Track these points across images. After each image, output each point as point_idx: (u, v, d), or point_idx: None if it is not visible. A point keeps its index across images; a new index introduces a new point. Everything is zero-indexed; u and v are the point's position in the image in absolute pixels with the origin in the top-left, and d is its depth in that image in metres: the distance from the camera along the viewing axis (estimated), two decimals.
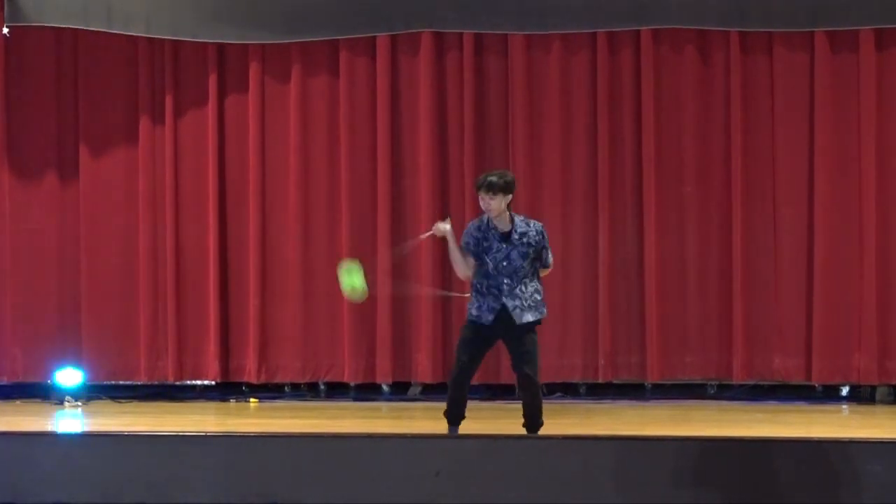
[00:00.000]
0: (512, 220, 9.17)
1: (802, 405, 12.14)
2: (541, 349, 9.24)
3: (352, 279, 9.33)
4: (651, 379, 12.33)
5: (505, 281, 9.11)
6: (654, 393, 12.54)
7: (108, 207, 12.77)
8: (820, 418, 11.55)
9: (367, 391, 12.64)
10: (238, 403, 12.55)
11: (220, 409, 12.26)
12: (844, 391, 12.43)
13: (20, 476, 8.30)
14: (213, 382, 12.65)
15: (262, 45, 12.56)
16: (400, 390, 12.74)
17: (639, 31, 12.30)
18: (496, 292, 9.12)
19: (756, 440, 8.49)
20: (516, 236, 9.15)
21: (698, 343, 12.31)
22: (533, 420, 9.27)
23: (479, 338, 9.25)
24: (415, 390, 12.71)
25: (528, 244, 9.14)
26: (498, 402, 12.28)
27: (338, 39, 12.51)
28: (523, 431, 9.27)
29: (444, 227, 9.20)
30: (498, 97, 12.48)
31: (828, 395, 12.44)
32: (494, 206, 9.11)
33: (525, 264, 9.15)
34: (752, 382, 12.38)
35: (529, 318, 9.15)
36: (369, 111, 12.54)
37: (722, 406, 12.17)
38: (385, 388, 12.76)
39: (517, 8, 12.34)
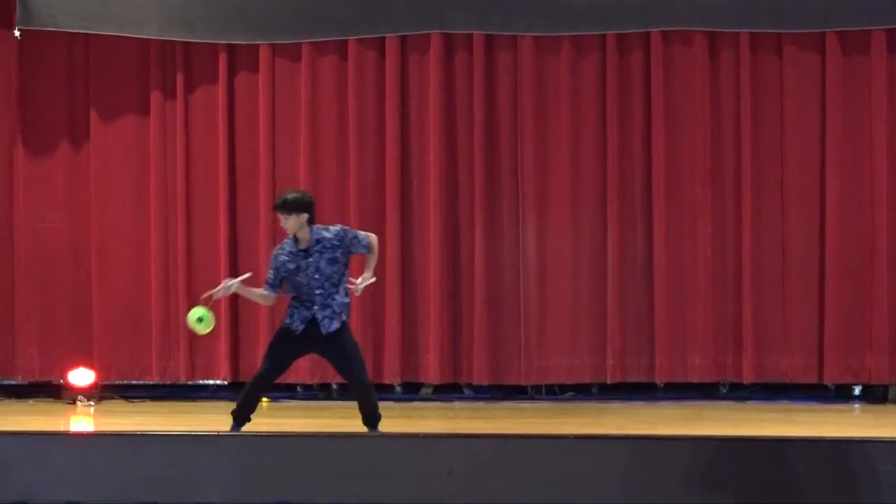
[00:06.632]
0: (310, 234, 9.42)
1: (815, 405, 12.13)
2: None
3: (197, 315, 9.38)
4: (659, 380, 12.32)
5: (317, 292, 9.35)
6: (666, 392, 12.52)
7: (118, 206, 12.80)
8: (832, 418, 11.54)
9: (379, 391, 12.54)
10: None
11: (231, 408, 12.21)
12: (857, 390, 12.42)
13: (32, 476, 8.30)
14: (225, 382, 12.67)
15: (272, 45, 12.58)
16: (412, 390, 12.74)
17: (648, 33, 12.29)
18: (308, 304, 9.39)
19: (769, 439, 8.46)
20: (316, 246, 9.37)
21: (707, 344, 12.26)
22: (372, 416, 9.57)
23: (290, 345, 9.50)
24: (426, 390, 12.72)
25: (334, 247, 9.37)
26: (510, 402, 12.28)
27: (347, 39, 12.53)
28: (533, 431, 9.27)
29: (230, 283, 9.43)
30: (507, 97, 12.47)
31: (840, 394, 12.43)
32: (290, 225, 9.38)
33: (335, 270, 9.38)
34: (762, 383, 12.37)
35: (336, 325, 9.41)
36: (378, 111, 12.54)
37: (734, 405, 12.17)
38: (397, 387, 12.75)
39: (527, 9, 12.33)
